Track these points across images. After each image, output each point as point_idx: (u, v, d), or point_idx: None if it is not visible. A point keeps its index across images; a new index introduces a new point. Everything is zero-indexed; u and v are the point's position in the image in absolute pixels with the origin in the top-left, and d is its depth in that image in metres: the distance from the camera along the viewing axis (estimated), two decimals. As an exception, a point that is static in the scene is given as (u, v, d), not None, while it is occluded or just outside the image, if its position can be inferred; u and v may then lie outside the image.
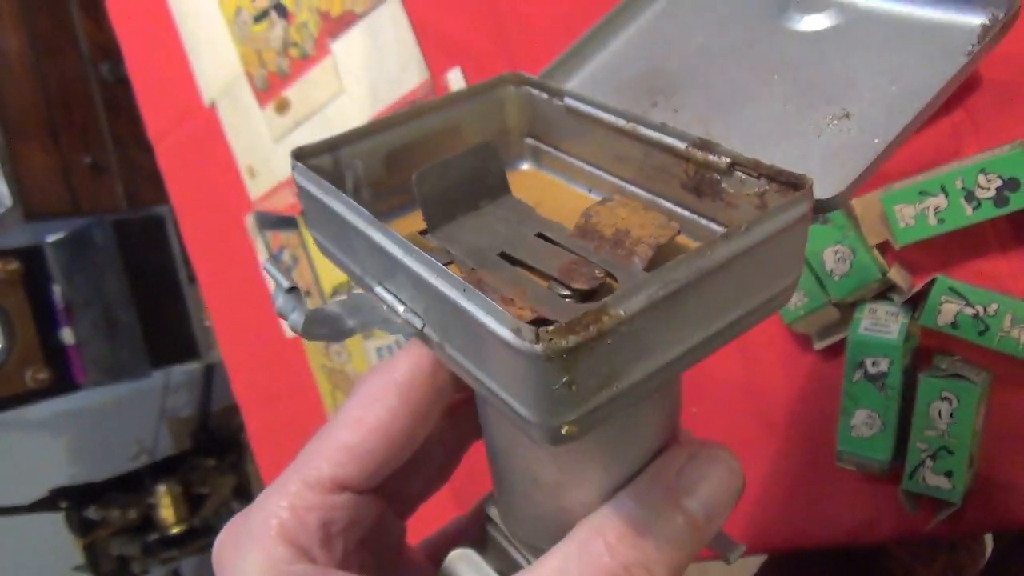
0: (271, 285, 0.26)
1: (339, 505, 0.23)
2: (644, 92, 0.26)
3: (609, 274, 0.21)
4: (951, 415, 0.41)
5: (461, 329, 0.18)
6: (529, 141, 0.28)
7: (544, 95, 0.27)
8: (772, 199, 0.21)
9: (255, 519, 0.22)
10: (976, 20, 0.23)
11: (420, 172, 0.23)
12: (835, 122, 0.23)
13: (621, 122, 0.24)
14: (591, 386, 0.16)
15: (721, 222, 0.22)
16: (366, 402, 0.23)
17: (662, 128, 0.23)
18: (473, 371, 0.18)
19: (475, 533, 0.27)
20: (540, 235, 0.23)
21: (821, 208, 0.20)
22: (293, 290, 0.23)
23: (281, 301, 0.23)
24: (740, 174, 0.21)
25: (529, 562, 0.24)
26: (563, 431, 0.16)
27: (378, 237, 0.20)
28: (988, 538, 0.68)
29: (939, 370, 0.42)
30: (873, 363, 0.43)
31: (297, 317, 0.23)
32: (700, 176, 0.22)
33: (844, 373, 0.44)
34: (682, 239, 0.22)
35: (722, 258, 0.17)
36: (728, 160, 0.21)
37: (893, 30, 0.24)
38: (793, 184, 0.20)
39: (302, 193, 0.24)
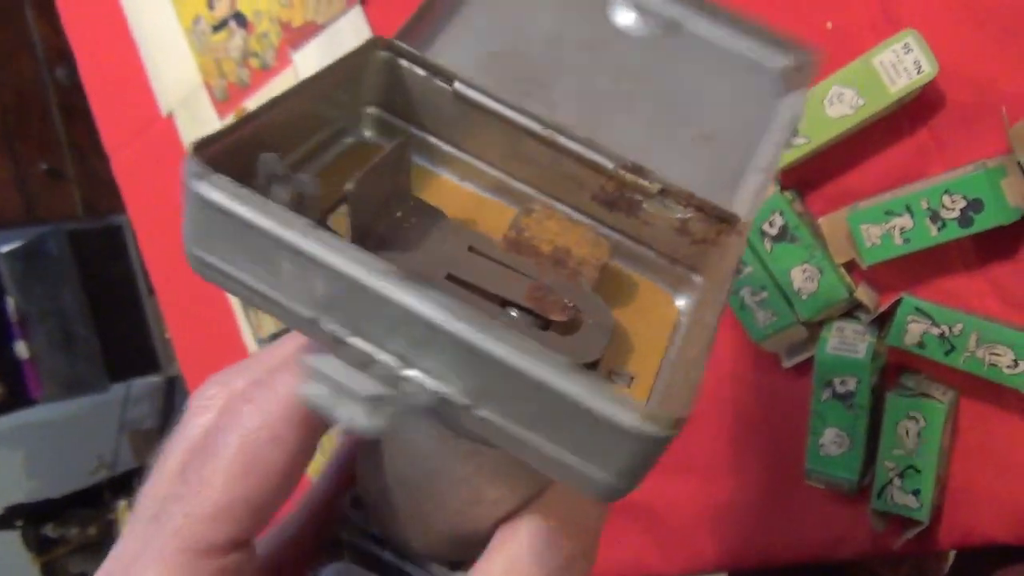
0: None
1: (234, 569, 0.19)
2: (511, 78, 0.23)
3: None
4: (918, 434, 0.41)
5: (519, 396, 0.15)
6: (380, 113, 0.24)
7: (423, 73, 0.23)
8: (695, 227, 0.21)
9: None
10: (779, 63, 0.24)
11: (356, 181, 0.19)
12: (701, 143, 0.23)
13: (535, 126, 0.22)
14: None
15: (630, 235, 0.23)
16: (254, 445, 0.19)
17: (588, 143, 0.22)
18: (517, 434, 0.16)
19: (331, 542, 0.24)
20: (472, 249, 0.21)
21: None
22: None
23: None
24: (668, 201, 0.21)
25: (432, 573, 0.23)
26: (621, 488, 0.16)
27: (380, 284, 0.15)
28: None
29: (906, 389, 0.42)
30: (841, 382, 0.43)
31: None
32: (619, 194, 0.22)
33: (812, 392, 0.44)
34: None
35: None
36: (659, 187, 0.21)
37: (713, 54, 0.24)
38: (721, 218, 0.21)
39: (206, 207, 0.16)
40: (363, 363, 0.16)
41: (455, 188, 0.24)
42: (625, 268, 0.23)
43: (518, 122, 0.22)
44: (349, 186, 0.19)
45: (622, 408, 0.14)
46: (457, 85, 0.22)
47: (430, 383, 0.15)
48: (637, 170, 0.21)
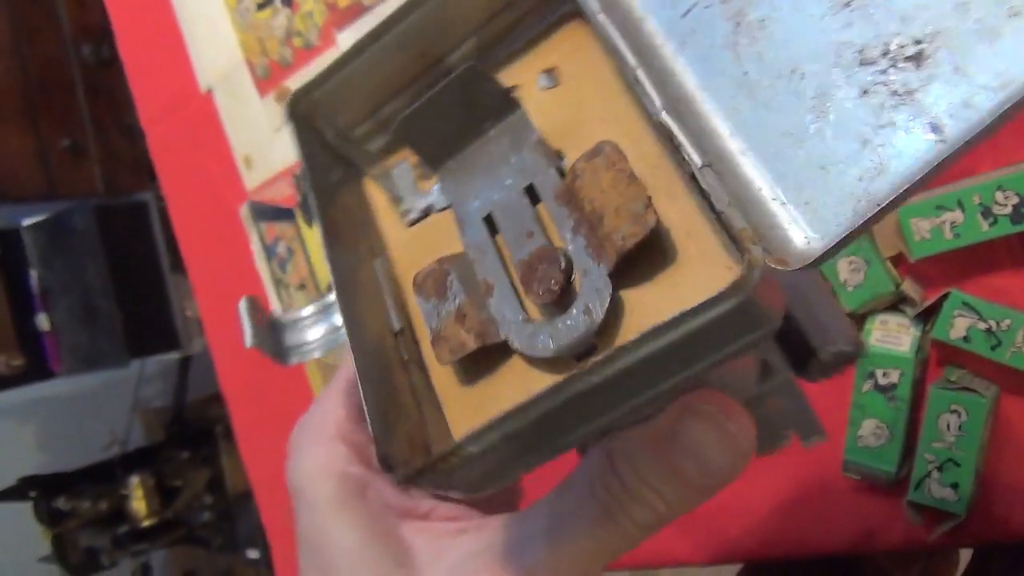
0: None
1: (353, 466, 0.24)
2: None
3: (570, 265, 0.19)
4: (959, 428, 0.42)
5: None
6: None
7: None
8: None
9: (315, 416, 0.24)
10: None
11: (402, 119, 0.21)
12: None
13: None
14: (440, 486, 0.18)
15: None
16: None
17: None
18: None
19: None
20: (529, 188, 0.21)
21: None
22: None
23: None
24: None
25: None
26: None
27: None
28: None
29: (949, 383, 0.43)
30: (884, 374, 0.43)
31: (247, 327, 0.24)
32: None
33: (853, 383, 0.44)
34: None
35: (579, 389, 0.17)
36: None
37: None
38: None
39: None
40: None
41: (607, 86, 0.21)
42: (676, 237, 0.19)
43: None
44: (395, 125, 0.21)
45: None
46: None
47: None
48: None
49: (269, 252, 0.77)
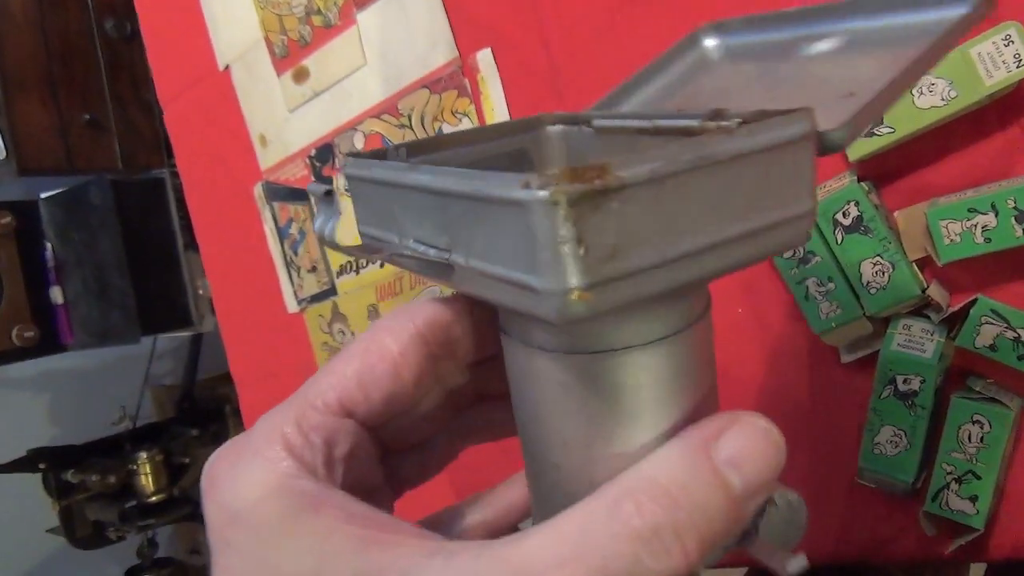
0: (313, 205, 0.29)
1: (342, 428, 0.22)
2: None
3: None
4: (981, 439, 0.40)
5: (478, 226, 0.18)
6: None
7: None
8: None
9: (257, 435, 0.21)
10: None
11: None
12: (841, 100, 0.23)
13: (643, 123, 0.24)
14: (599, 252, 0.16)
15: None
16: (377, 335, 0.23)
17: (676, 114, 0.23)
18: (490, 270, 0.18)
19: None
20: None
21: (827, 146, 0.19)
22: (329, 194, 0.25)
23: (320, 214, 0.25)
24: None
25: None
26: (573, 296, 0.16)
27: (408, 177, 0.21)
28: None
29: (973, 392, 0.41)
30: (904, 380, 0.42)
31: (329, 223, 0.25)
32: None
33: (873, 388, 0.43)
34: None
35: (725, 151, 0.17)
36: (738, 120, 0.21)
37: (890, 36, 0.24)
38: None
39: (354, 188, 0.25)
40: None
41: None
42: None
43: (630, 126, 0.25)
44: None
45: (509, 184, 0.16)
46: (595, 123, 0.27)
47: (442, 254, 0.20)
48: (718, 114, 0.21)
49: (282, 233, 0.77)
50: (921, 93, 0.40)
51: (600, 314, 0.16)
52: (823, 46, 0.25)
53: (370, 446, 0.23)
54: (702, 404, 0.20)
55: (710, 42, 0.29)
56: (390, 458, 0.25)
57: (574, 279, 0.16)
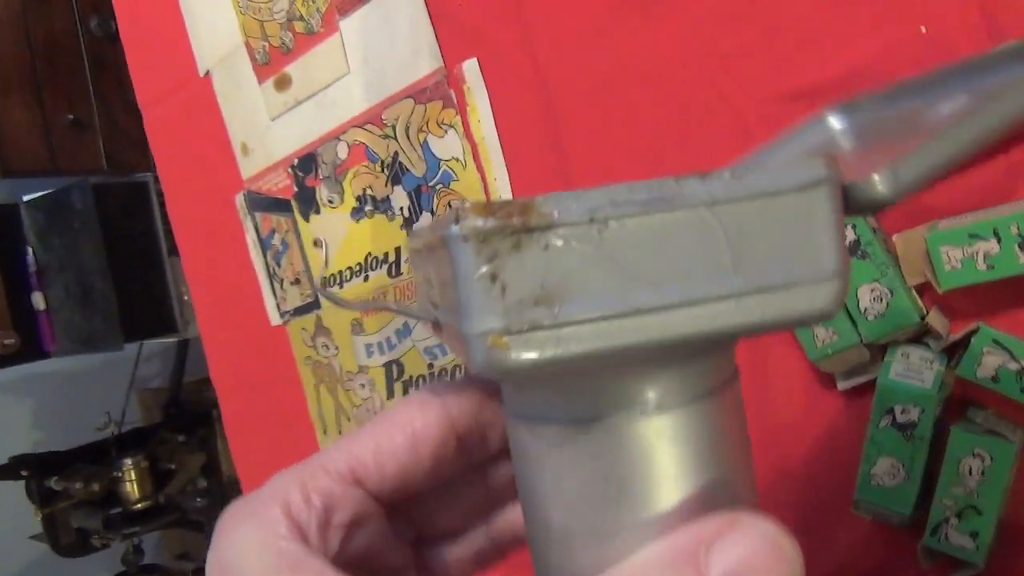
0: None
1: (347, 496, 0.22)
2: None
3: None
4: (982, 473, 0.39)
5: (437, 273, 0.17)
6: None
7: None
8: None
9: (264, 491, 0.22)
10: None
11: None
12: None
13: None
14: (520, 293, 0.15)
15: None
16: (405, 406, 0.23)
17: None
18: (444, 319, 0.17)
19: None
20: None
21: (868, 199, 0.17)
22: None
23: None
24: None
25: None
26: (489, 341, 0.15)
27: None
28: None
29: (973, 424, 0.40)
30: (903, 411, 0.40)
31: None
32: None
33: (870, 418, 0.41)
34: None
35: (694, 195, 0.15)
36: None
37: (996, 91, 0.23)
38: None
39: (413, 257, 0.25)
40: None
41: None
42: None
43: None
44: None
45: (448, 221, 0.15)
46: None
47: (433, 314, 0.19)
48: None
49: (264, 244, 0.75)
50: (921, 114, 0.38)
51: (535, 368, 0.15)
52: (943, 108, 0.24)
53: (384, 521, 0.23)
54: (709, 493, 0.17)
55: (836, 123, 0.28)
56: (425, 544, 0.25)
57: (490, 321, 0.14)
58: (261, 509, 0.21)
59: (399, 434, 0.22)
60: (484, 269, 0.14)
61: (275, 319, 0.76)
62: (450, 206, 0.57)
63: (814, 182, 0.16)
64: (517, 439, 0.18)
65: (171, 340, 1.57)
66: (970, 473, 0.39)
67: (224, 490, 1.54)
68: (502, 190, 0.57)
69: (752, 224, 0.15)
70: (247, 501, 0.22)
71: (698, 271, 0.15)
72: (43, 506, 1.42)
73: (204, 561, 0.21)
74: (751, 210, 0.15)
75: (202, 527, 1.61)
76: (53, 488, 1.42)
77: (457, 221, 0.14)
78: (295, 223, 0.71)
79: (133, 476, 1.48)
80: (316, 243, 0.69)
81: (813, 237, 0.16)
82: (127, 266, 1.27)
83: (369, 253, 0.66)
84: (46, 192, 1.33)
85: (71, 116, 1.77)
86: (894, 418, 0.41)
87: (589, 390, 0.16)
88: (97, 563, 1.65)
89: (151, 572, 1.66)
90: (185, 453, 1.54)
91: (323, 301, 0.70)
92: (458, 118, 0.58)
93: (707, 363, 0.18)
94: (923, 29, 0.40)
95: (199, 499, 1.50)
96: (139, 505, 1.48)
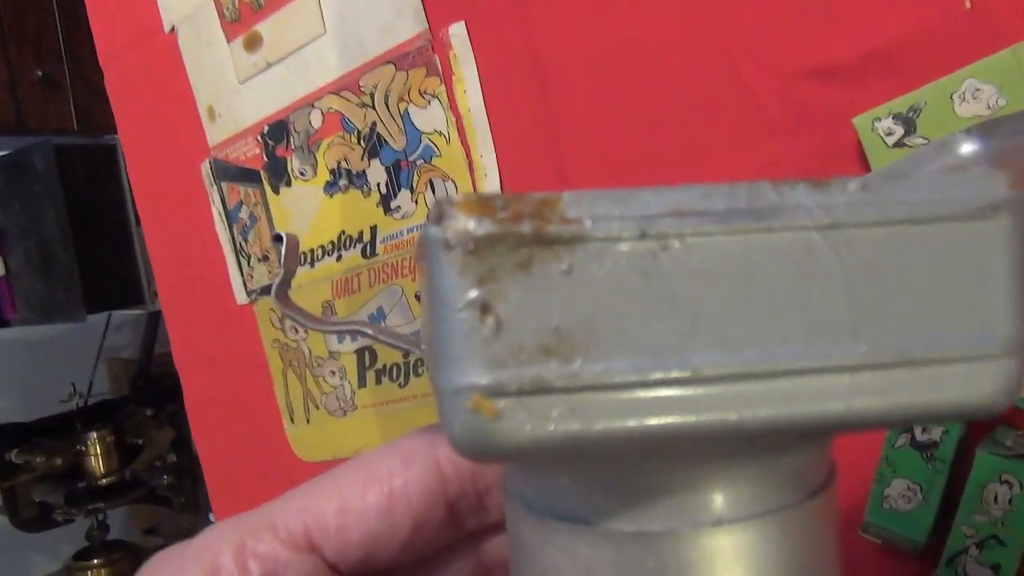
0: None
1: (296, 566, 0.17)
2: None
3: None
4: (1009, 501, 0.35)
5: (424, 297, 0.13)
6: None
7: None
8: None
9: (192, 548, 0.18)
10: None
11: None
12: None
13: None
14: (525, 336, 0.10)
15: None
16: (390, 451, 0.18)
17: None
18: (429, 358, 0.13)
19: None
20: None
21: None
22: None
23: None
24: None
25: None
26: (469, 403, 0.10)
27: None
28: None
29: (1001, 447, 0.36)
30: (923, 430, 0.37)
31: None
32: None
33: (886, 436, 0.38)
34: None
35: (797, 207, 0.10)
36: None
37: None
38: None
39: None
40: None
41: None
42: None
43: None
44: None
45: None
46: None
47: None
48: None
49: (231, 217, 0.70)
50: (964, 100, 0.34)
51: (535, 450, 0.10)
52: None
53: None
54: None
55: (968, 145, 0.25)
56: None
57: (473, 372, 0.10)
58: (183, 570, 0.17)
59: (373, 491, 0.17)
60: (473, 295, 0.10)
61: (241, 298, 0.71)
62: (431, 185, 0.52)
63: (991, 206, 0.11)
64: (518, 532, 0.13)
65: (139, 312, 1.51)
66: (995, 501, 0.36)
67: (194, 467, 1.49)
68: (488, 169, 0.52)
69: (887, 262, 0.10)
70: (171, 556, 0.18)
71: (798, 325, 0.10)
72: (3, 480, 1.36)
73: (173, 537, 0.17)
74: (888, 241, 0.10)
75: (170, 502, 1.57)
76: (13, 461, 1.37)
77: (440, 220, 0.10)
78: (264, 195, 0.66)
79: (98, 450, 1.43)
80: (276, 239, 0.64)
81: (981, 288, 0.11)
82: (92, 233, 1.20)
83: (343, 231, 0.61)
84: (6, 152, 1.26)
85: (40, 72, 1.69)
86: (913, 437, 0.37)
87: (621, 487, 0.12)
88: (60, 537, 1.61)
89: (115, 549, 1.62)
90: (153, 428, 1.49)
91: (292, 280, 0.65)
92: (442, 87, 0.53)
93: (796, 461, 0.12)
94: (968, 4, 0.36)
95: (167, 476, 1.45)
96: (104, 480, 1.43)
